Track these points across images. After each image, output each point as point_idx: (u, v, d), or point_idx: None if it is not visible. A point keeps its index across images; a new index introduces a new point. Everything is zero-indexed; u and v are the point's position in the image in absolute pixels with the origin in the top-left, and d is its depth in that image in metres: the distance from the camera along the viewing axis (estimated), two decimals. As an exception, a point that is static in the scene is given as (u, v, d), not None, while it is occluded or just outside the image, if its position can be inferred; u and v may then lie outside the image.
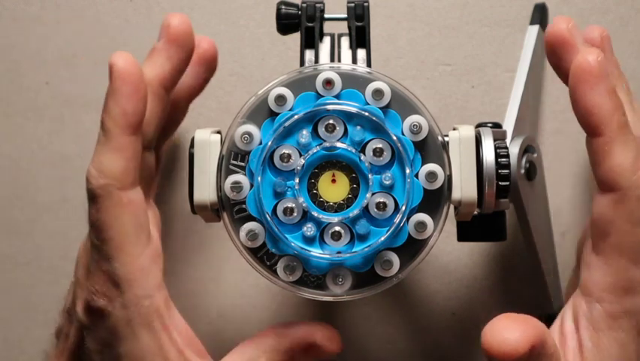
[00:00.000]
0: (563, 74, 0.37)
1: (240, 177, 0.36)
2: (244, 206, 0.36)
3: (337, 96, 0.36)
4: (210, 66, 0.45)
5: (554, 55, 0.37)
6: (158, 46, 0.41)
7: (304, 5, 0.41)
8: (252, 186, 0.36)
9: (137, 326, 0.38)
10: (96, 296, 0.38)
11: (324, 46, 0.41)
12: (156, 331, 0.38)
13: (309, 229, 0.36)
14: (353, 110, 0.36)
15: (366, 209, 0.36)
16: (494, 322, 0.33)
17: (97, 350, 0.39)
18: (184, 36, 0.41)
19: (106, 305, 0.38)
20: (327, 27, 0.42)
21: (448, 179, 0.36)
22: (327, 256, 0.36)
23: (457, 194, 0.37)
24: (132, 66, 0.38)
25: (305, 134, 0.36)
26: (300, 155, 0.36)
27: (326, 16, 0.41)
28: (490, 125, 0.41)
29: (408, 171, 0.36)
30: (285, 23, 0.41)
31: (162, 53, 0.41)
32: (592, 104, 0.34)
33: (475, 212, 0.39)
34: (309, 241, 0.36)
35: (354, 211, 0.36)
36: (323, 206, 0.36)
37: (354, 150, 0.36)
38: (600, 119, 0.34)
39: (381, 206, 0.35)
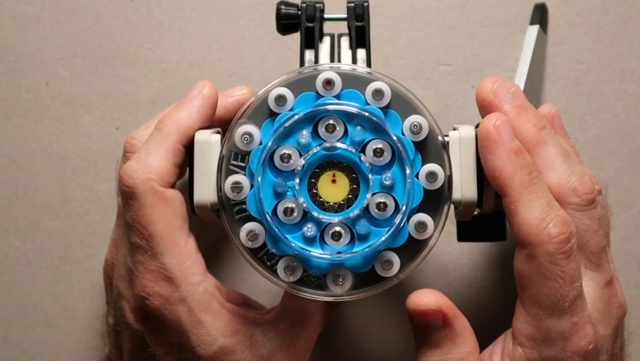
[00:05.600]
0: None
1: (240, 178, 0.36)
2: (244, 206, 0.36)
3: (337, 96, 0.36)
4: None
5: (483, 114, 0.39)
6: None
7: (304, 5, 0.41)
8: (252, 186, 0.36)
9: (199, 313, 0.38)
10: (148, 300, 0.38)
11: (324, 46, 0.41)
12: (217, 310, 0.38)
13: (310, 229, 0.36)
14: (353, 110, 0.36)
15: (366, 209, 0.36)
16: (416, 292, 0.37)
17: (165, 353, 0.39)
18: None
19: (163, 304, 0.38)
20: (327, 27, 0.42)
21: (449, 179, 0.36)
22: (328, 257, 0.36)
23: (457, 194, 0.37)
24: (216, 97, 0.40)
25: (305, 135, 0.36)
26: (301, 155, 0.36)
27: (326, 16, 0.41)
28: (490, 125, 0.41)
29: (408, 171, 0.35)
30: (285, 23, 0.41)
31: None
32: (492, 166, 0.36)
33: (475, 212, 0.39)
34: (309, 241, 0.36)
35: (354, 211, 0.36)
36: (323, 206, 0.36)
37: (354, 150, 0.36)
38: (502, 180, 0.36)
39: (381, 206, 0.35)
